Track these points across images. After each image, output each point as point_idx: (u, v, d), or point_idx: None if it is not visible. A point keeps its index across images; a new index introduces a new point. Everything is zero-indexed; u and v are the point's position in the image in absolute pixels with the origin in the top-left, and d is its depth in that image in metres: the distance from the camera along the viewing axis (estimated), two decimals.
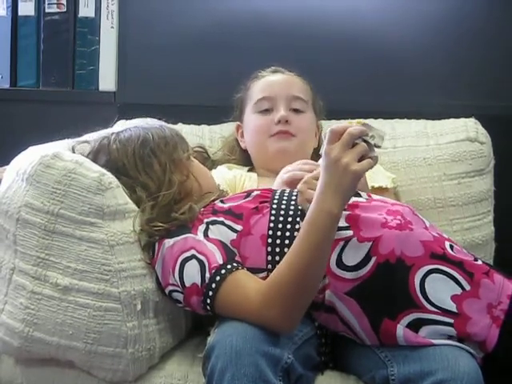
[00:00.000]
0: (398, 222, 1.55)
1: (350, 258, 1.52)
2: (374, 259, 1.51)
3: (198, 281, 1.50)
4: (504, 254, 2.02)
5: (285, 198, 1.62)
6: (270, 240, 1.56)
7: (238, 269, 1.50)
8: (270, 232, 1.57)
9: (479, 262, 1.57)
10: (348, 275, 1.52)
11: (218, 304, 1.49)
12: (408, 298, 1.50)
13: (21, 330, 1.56)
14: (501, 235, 2.04)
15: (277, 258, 1.54)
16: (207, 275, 1.49)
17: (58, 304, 1.54)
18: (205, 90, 2.30)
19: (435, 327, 1.49)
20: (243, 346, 1.39)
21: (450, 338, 1.49)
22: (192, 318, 1.70)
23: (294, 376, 1.45)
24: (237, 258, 1.54)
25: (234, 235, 1.57)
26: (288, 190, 1.65)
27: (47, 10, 2.33)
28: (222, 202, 1.65)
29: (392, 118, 2.14)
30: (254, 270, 1.53)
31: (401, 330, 1.49)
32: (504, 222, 2.06)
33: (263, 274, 1.54)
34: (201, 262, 1.51)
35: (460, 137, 2.03)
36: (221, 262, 1.50)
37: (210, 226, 1.58)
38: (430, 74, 2.26)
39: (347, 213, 1.55)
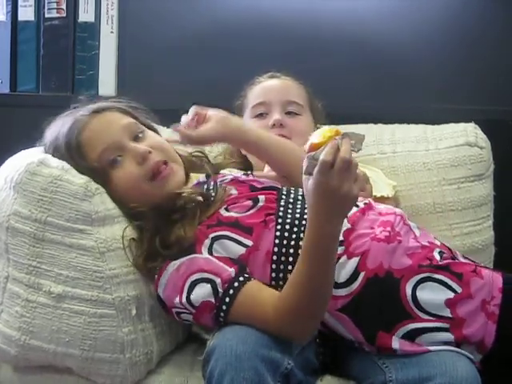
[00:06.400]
0: (387, 233, 1.55)
1: (340, 275, 1.51)
2: (362, 274, 1.51)
3: (211, 298, 1.49)
4: (504, 259, 2.02)
5: (289, 210, 1.60)
6: (274, 257, 1.55)
7: (250, 279, 1.49)
8: (276, 249, 1.55)
9: (465, 260, 1.58)
10: (338, 292, 1.51)
11: (231, 317, 1.48)
12: (401, 309, 1.50)
13: (17, 339, 1.56)
14: (500, 240, 2.03)
15: (281, 275, 1.54)
16: (220, 290, 1.48)
17: (53, 311, 1.54)
18: (205, 95, 2.29)
19: (431, 335, 1.49)
20: (243, 350, 1.39)
21: (447, 343, 1.49)
22: None
23: (294, 381, 1.44)
24: (248, 270, 1.52)
25: (242, 250, 1.54)
26: (292, 199, 1.63)
27: (47, 15, 2.33)
28: (226, 210, 1.61)
29: (392, 123, 2.14)
30: None
31: (396, 341, 1.49)
32: (504, 226, 2.06)
33: None
34: (212, 282, 1.49)
35: (459, 141, 2.02)
36: (233, 274, 1.49)
37: (215, 244, 1.55)
38: (429, 78, 2.26)
39: (347, 226, 1.55)
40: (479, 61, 2.25)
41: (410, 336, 1.49)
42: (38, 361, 1.60)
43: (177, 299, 1.52)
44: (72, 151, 1.61)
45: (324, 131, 1.39)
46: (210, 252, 1.54)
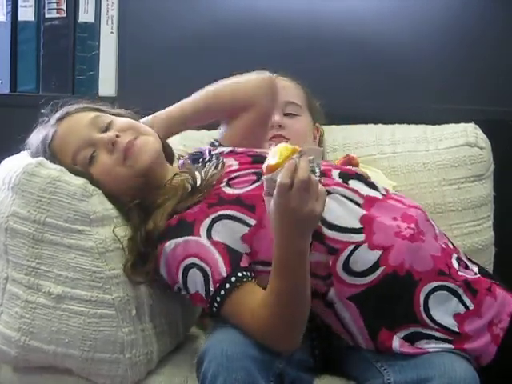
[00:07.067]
0: (411, 231, 1.51)
1: (358, 264, 1.48)
2: (382, 269, 1.48)
3: (202, 292, 1.48)
4: (504, 259, 2.02)
5: None
6: None
7: (242, 282, 1.46)
8: None
9: (481, 277, 1.55)
10: (353, 281, 1.49)
11: (223, 314, 1.48)
12: (410, 312, 1.48)
13: (17, 340, 1.56)
14: (500, 240, 2.03)
15: None
16: (211, 289, 1.47)
17: (53, 312, 1.54)
18: None
19: (432, 341, 1.48)
20: (234, 351, 1.39)
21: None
22: (189, 320, 1.71)
23: (288, 380, 1.44)
24: (242, 262, 1.48)
25: (245, 229, 1.51)
26: None
27: (47, 16, 2.34)
28: (228, 185, 1.57)
29: (392, 123, 2.14)
30: (265, 263, 1.48)
31: (397, 341, 1.48)
32: (504, 226, 2.06)
33: None
34: (204, 272, 1.47)
35: (459, 142, 2.02)
36: (224, 274, 1.46)
37: (215, 224, 1.52)
38: (429, 78, 2.26)
39: (363, 212, 1.52)
40: (479, 61, 2.25)
41: (412, 338, 1.48)
42: (37, 362, 1.59)
43: (175, 279, 1.52)
44: (52, 162, 1.59)
45: (280, 150, 1.36)
46: (209, 234, 1.50)
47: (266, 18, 2.31)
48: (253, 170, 1.59)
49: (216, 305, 1.47)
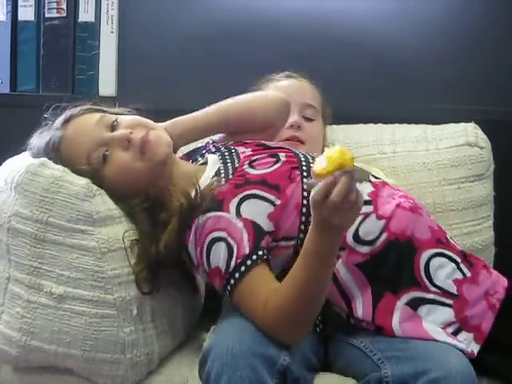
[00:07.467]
0: (410, 204, 1.60)
1: (367, 233, 1.55)
2: (385, 235, 1.55)
3: (223, 267, 1.50)
4: (504, 259, 2.02)
5: (311, 161, 1.63)
6: (304, 210, 1.56)
7: (262, 260, 1.49)
8: (305, 201, 1.56)
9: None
10: (362, 249, 1.55)
11: (236, 295, 1.50)
12: (412, 276, 1.54)
13: (18, 339, 1.56)
14: (500, 240, 2.04)
15: (309, 227, 1.51)
16: (232, 263, 1.49)
17: (54, 312, 1.54)
18: (205, 95, 2.28)
19: (434, 307, 1.53)
20: (239, 349, 1.40)
21: (448, 325, 1.52)
22: (190, 319, 1.71)
23: (291, 378, 1.44)
24: (264, 241, 1.51)
25: (271, 208, 1.55)
26: (310, 157, 1.66)
27: (47, 15, 2.33)
28: (251, 167, 1.62)
29: (392, 123, 2.14)
30: (285, 239, 1.55)
31: (399, 306, 1.52)
32: (504, 226, 2.06)
33: (293, 242, 1.55)
34: (230, 248, 1.50)
35: (460, 141, 2.03)
36: (247, 251, 1.49)
37: (244, 203, 1.55)
38: (429, 78, 2.26)
39: (371, 189, 1.60)
40: (479, 61, 2.25)
41: (414, 304, 1.53)
42: (38, 362, 1.60)
43: (198, 252, 1.53)
44: (55, 163, 1.60)
45: (332, 156, 1.34)
46: (238, 211, 1.53)
47: (265, 18, 2.31)
48: (268, 154, 1.64)
49: (232, 282, 1.49)
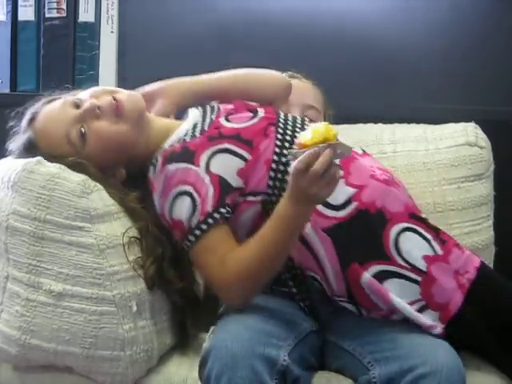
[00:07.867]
0: (386, 178, 1.62)
1: (334, 197, 1.52)
2: (354, 204, 1.56)
3: (186, 221, 1.52)
4: (504, 259, 2.01)
5: (289, 122, 1.65)
6: (273, 165, 1.58)
7: (224, 219, 1.52)
8: (275, 157, 1.58)
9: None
10: (328, 213, 1.56)
11: (194, 250, 1.53)
12: (380, 249, 1.55)
13: (18, 338, 1.56)
14: (500, 240, 2.03)
15: (277, 183, 1.57)
16: (195, 220, 1.52)
17: (53, 310, 1.54)
18: None
19: (400, 281, 1.53)
20: (239, 349, 1.40)
21: (413, 303, 1.52)
22: (190, 316, 1.71)
23: (291, 378, 1.45)
24: (229, 198, 1.54)
25: (242, 164, 1.58)
26: (291, 116, 1.68)
27: (47, 15, 2.33)
28: (227, 119, 1.64)
29: (392, 123, 2.13)
30: (252, 194, 1.57)
31: (366, 277, 1.53)
32: (504, 226, 2.06)
33: (260, 197, 1.57)
34: (194, 203, 1.53)
35: (460, 141, 2.02)
36: (210, 209, 1.52)
37: (214, 156, 1.57)
38: (429, 78, 2.27)
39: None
40: (479, 61, 2.25)
41: (381, 277, 1.53)
42: (38, 360, 1.60)
43: (163, 200, 1.56)
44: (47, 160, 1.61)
45: (318, 130, 1.41)
46: (208, 165, 1.56)
47: (265, 18, 2.32)
48: (247, 109, 1.67)
49: (193, 238, 1.52)
